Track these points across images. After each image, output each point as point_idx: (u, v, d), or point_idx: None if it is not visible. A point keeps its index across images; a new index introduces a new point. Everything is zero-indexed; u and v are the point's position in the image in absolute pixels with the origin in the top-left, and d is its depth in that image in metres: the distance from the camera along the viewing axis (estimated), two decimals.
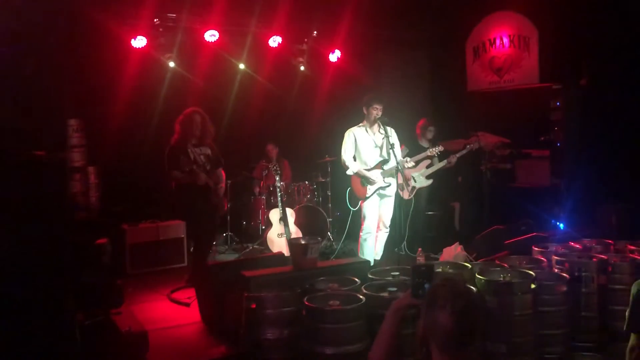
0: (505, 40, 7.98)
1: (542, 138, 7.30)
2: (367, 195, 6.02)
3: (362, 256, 6.00)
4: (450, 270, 4.42)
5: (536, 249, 4.94)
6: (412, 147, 7.03)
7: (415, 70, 8.95)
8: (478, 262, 5.01)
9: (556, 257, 4.60)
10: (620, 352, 4.00)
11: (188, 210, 5.93)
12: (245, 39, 7.60)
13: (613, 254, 4.76)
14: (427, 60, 9.04)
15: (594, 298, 4.38)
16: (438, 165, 7.13)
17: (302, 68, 8.09)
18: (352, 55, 8.29)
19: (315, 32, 7.94)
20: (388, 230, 6.24)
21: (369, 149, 6.04)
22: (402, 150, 6.67)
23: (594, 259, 4.49)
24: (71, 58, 6.51)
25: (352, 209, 6.26)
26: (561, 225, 6.52)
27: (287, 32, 7.74)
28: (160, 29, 6.99)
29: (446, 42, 8.72)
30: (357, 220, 6.31)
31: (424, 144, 7.24)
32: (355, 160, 6.10)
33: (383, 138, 5.99)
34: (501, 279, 4.13)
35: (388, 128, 5.99)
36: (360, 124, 6.08)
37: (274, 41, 7.69)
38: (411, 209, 7.09)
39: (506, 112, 7.87)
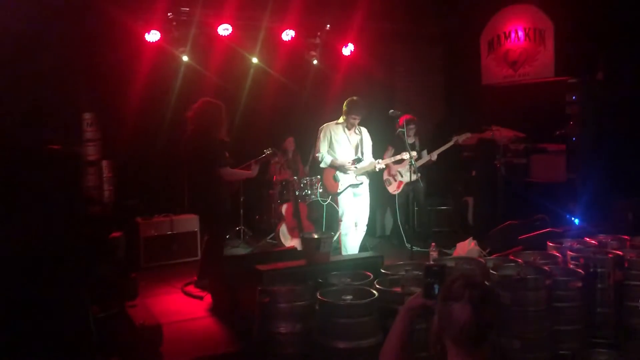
0: (520, 33, 7.89)
1: (558, 132, 7.21)
2: (339, 191, 6.10)
3: (344, 252, 6.06)
4: (466, 266, 4.39)
5: (551, 244, 4.89)
6: (397, 145, 6.90)
7: (429, 64, 8.89)
8: (492, 257, 4.98)
9: (571, 253, 4.56)
10: (636, 349, 3.96)
11: (224, 208, 5.65)
12: (259, 33, 7.59)
13: (629, 250, 4.69)
14: (441, 54, 8.98)
15: (610, 294, 4.33)
16: (421, 160, 7.13)
17: (315, 62, 8.06)
18: (365, 49, 8.24)
19: (328, 25, 7.90)
20: (365, 228, 6.29)
21: (344, 147, 6.11)
22: (389, 151, 6.73)
23: (610, 255, 4.43)
24: (86, 52, 6.55)
25: (323, 201, 6.32)
26: (576, 221, 6.45)
27: (300, 26, 7.71)
28: (174, 23, 7.00)
29: (460, 35, 8.64)
30: (335, 215, 6.43)
31: (409, 140, 7.18)
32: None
33: (358, 138, 6.14)
34: (515, 274, 4.09)
35: (362, 129, 6.17)
36: (338, 121, 6.13)
37: (287, 35, 7.67)
38: (397, 203, 7.17)
39: (521, 106, 7.80)
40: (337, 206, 6.34)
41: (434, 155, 7.07)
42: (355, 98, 6.05)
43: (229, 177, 5.55)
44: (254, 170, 5.76)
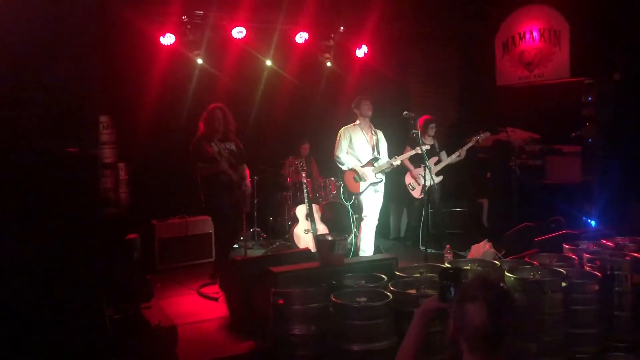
0: (535, 34, 7.84)
1: (574, 134, 7.16)
2: (361, 191, 6.27)
3: (362, 247, 6.27)
4: (479, 268, 4.37)
5: (567, 246, 4.84)
6: (415, 146, 6.84)
7: (443, 65, 8.87)
8: (507, 259, 4.95)
9: (587, 255, 4.51)
10: None
11: (213, 204, 5.98)
12: (272, 36, 7.62)
13: None
14: (455, 55, 8.95)
15: (627, 297, 4.27)
16: (447, 160, 7.08)
17: (328, 64, 8.06)
18: (379, 51, 8.24)
19: (341, 27, 7.91)
20: (377, 222, 6.46)
21: (362, 147, 6.30)
22: (407, 152, 6.71)
23: (628, 257, 4.39)
24: (101, 56, 6.59)
25: (347, 203, 6.52)
26: (593, 223, 6.39)
27: (313, 28, 7.72)
28: (189, 27, 7.05)
29: (475, 36, 8.61)
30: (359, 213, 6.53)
31: (427, 141, 7.15)
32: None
33: (375, 138, 6.35)
34: (531, 277, 4.06)
35: (378, 131, 6.40)
36: (355, 124, 6.34)
37: (301, 37, 7.68)
38: (420, 206, 7.14)
39: (536, 107, 7.75)
40: (352, 210, 6.48)
41: (463, 152, 7.03)
42: (358, 97, 6.34)
43: (200, 172, 5.91)
44: (214, 165, 5.91)
